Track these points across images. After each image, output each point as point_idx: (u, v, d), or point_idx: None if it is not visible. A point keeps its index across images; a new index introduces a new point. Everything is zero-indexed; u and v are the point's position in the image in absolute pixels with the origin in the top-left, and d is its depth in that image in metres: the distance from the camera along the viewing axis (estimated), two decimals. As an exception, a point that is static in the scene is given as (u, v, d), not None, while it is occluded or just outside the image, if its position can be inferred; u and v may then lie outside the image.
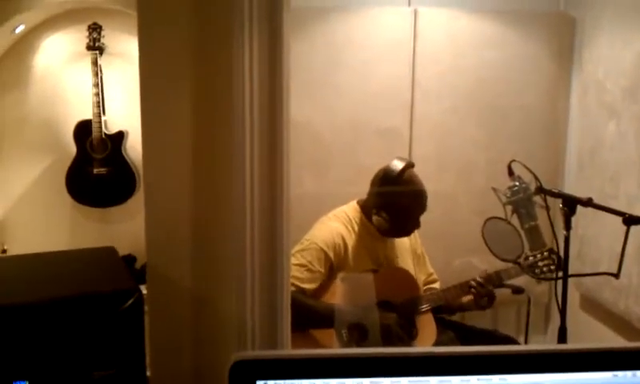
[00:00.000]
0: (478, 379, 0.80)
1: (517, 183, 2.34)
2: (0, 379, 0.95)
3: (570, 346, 0.89)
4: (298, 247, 2.58)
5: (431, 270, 2.98)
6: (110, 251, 1.23)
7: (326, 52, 3.22)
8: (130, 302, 1.05)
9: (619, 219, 2.18)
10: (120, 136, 3.71)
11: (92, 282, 1.09)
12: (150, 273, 1.30)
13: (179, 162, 1.33)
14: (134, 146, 3.73)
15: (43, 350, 0.98)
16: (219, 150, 1.33)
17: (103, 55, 3.66)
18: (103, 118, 3.67)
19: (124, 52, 3.68)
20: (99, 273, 1.14)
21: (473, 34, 3.31)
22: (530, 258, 2.52)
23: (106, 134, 3.69)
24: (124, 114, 3.73)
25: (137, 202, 3.73)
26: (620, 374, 0.82)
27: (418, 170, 2.75)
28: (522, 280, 2.82)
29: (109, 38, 3.64)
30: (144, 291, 1.13)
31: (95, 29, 3.61)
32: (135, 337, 1.05)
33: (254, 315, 1.37)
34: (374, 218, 2.69)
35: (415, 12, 3.29)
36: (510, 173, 2.38)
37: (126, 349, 1.04)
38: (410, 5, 3.34)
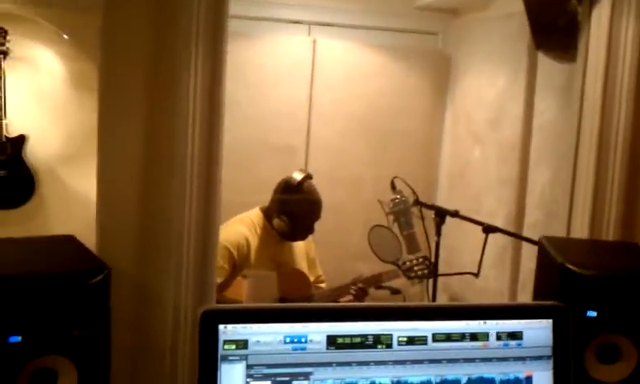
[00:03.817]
0: (377, 323, 1.14)
1: (398, 196, 2.75)
2: (-1, 334, 1.19)
3: (436, 304, 1.25)
4: (206, 247, 2.85)
5: (320, 272, 3.34)
6: (72, 238, 1.49)
7: (232, 73, 3.50)
8: (101, 276, 1.31)
9: (480, 230, 2.64)
10: (21, 140, 3.78)
11: (71, 261, 1.35)
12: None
13: (130, 170, 1.58)
14: (33, 150, 3.81)
15: (34, 313, 1.22)
16: (165, 159, 1.59)
17: (7, 59, 3.73)
18: (4, 122, 3.74)
19: (28, 57, 3.77)
20: (73, 254, 1.39)
21: (364, 65, 3.74)
22: (407, 263, 2.94)
23: (6, 136, 3.75)
24: (25, 118, 3.80)
25: (33, 207, 3.82)
26: (471, 322, 1.20)
27: (315, 184, 3.13)
28: (399, 282, 3.25)
29: (14, 43, 3.71)
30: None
31: (0, 33, 3.68)
32: (104, 304, 1.32)
33: (188, 297, 1.64)
34: (275, 221, 3.02)
35: (314, 42, 3.68)
36: (393, 187, 2.78)
37: (98, 314, 1.30)
38: (309, 34, 3.73)
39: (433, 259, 2.79)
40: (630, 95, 1.96)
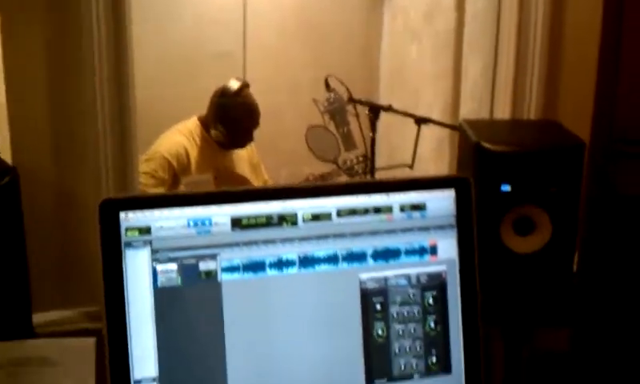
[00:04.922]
0: (280, 202, 1.17)
1: (332, 94, 2.76)
2: None
3: (339, 181, 1.28)
4: (143, 157, 2.83)
5: (266, 178, 3.37)
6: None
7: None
8: (8, 178, 1.30)
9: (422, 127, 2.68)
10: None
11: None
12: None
13: (35, 78, 1.56)
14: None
15: None
16: (71, 53, 1.56)
17: None
18: None
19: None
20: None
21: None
22: (347, 162, 2.98)
23: None
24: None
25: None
26: (375, 197, 1.22)
27: (252, 90, 3.10)
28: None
29: None
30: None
31: None
32: (15, 206, 1.31)
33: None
34: (212, 131, 3.01)
35: (244, -63, 3.57)
36: (327, 86, 2.78)
37: (8, 216, 1.30)
38: None
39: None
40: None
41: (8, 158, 1.53)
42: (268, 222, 1.16)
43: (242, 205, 1.15)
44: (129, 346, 1.09)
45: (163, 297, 1.11)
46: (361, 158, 3.02)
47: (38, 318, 1.44)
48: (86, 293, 1.55)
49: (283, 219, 1.17)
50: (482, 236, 1.45)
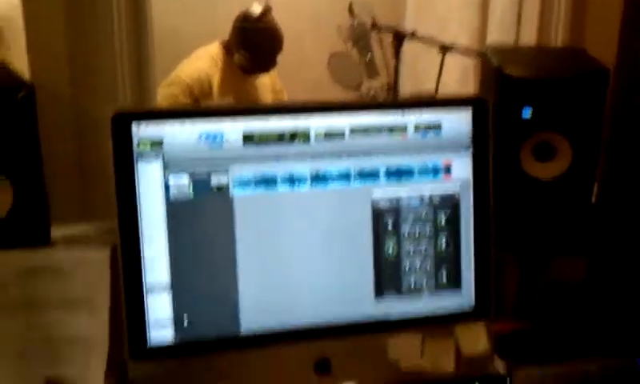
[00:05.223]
0: (292, 119, 1.16)
1: (355, 20, 2.70)
2: None
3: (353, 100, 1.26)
4: (165, 82, 2.84)
5: (289, 105, 3.35)
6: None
7: None
8: (24, 92, 1.31)
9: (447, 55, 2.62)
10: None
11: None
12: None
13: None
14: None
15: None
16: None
17: None
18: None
19: None
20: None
21: None
22: (372, 92, 2.94)
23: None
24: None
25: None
26: (389, 116, 1.21)
27: (275, 16, 3.05)
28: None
29: None
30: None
31: None
32: (32, 121, 1.32)
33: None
34: (236, 55, 2.99)
35: None
36: (350, 11, 2.73)
37: (26, 131, 1.31)
38: None
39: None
40: None
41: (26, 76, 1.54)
42: (280, 137, 1.16)
43: (254, 120, 1.14)
44: (142, 257, 1.11)
45: (175, 209, 1.12)
46: (386, 87, 2.98)
47: (56, 232, 1.46)
48: (105, 207, 1.57)
49: (295, 136, 1.16)
50: (502, 161, 1.43)
